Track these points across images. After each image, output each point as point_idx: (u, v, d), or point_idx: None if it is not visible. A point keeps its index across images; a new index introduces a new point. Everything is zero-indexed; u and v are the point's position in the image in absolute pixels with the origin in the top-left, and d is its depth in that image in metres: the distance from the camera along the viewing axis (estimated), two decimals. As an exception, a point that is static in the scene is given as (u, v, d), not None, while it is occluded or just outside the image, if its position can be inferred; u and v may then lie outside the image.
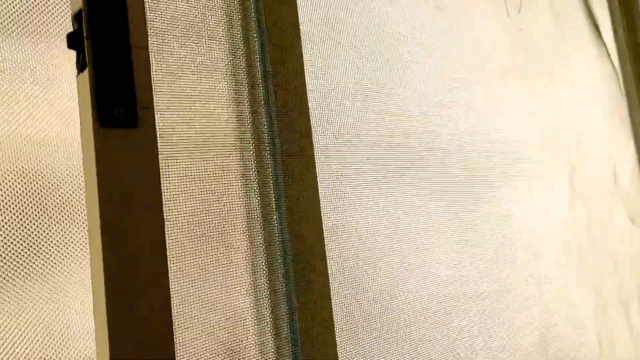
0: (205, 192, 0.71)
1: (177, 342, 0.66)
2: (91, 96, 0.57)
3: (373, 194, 0.94)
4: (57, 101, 0.66)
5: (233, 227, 0.73)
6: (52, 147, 0.64)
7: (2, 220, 0.60)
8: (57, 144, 0.65)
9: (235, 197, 0.74)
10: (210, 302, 0.70)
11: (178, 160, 0.69)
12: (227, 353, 0.71)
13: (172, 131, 0.68)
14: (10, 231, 0.61)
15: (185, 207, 0.69)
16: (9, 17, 0.64)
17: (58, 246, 0.64)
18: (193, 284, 0.69)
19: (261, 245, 0.76)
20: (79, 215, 0.65)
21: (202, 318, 0.69)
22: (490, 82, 1.27)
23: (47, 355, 0.61)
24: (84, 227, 0.66)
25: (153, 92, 0.61)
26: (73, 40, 0.59)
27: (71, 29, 0.60)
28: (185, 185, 0.70)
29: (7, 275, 0.60)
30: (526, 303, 1.21)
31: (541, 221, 1.31)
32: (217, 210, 0.72)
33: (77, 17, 0.59)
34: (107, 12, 0.59)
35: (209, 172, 0.72)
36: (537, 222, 1.30)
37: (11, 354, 0.59)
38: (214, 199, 0.72)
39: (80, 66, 0.59)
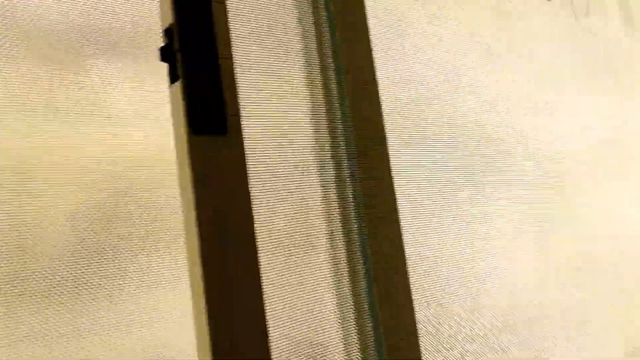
0: (288, 193, 0.73)
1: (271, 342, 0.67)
2: (183, 106, 0.60)
3: (451, 198, 0.94)
4: (149, 117, 0.69)
5: (316, 229, 0.75)
6: (146, 166, 0.68)
7: (102, 238, 0.63)
8: (150, 163, 0.68)
9: (317, 200, 0.76)
10: (297, 304, 0.71)
11: (263, 163, 0.71)
12: (316, 349, 0.72)
13: (257, 136, 0.71)
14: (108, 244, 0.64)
15: (271, 211, 0.71)
16: (103, 38, 0.68)
17: (152, 263, 0.67)
18: (281, 281, 0.70)
19: (341, 248, 0.77)
20: (172, 231, 0.68)
21: (290, 319, 0.70)
22: (560, 87, 1.25)
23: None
24: (175, 243, 0.69)
25: (239, 100, 0.64)
26: (165, 54, 0.62)
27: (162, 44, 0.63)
28: (269, 188, 0.72)
29: (105, 292, 0.63)
30: (613, 314, 1.17)
31: (626, 228, 1.27)
32: (300, 212, 0.74)
33: (167, 32, 0.63)
34: (195, 26, 0.62)
35: (290, 171, 0.74)
36: (621, 229, 1.26)
37: None
38: (296, 201, 0.73)
39: (172, 78, 0.62)
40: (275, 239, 0.71)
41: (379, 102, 0.85)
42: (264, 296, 0.66)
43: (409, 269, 0.84)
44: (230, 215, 0.60)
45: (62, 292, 0.59)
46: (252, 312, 0.60)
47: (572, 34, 1.35)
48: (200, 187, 0.59)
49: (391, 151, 0.86)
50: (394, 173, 0.86)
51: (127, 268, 0.64)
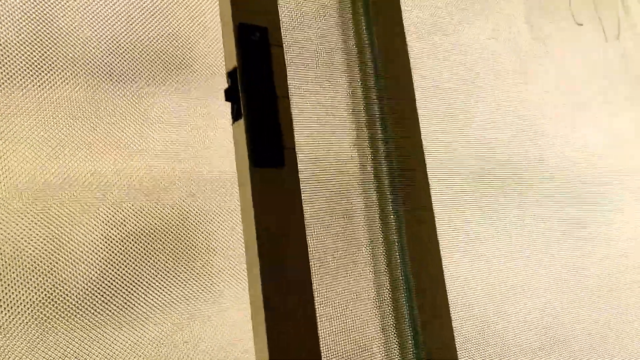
0: (336, 219, 0.79)
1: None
2: (246, 141, 0.67)
3: (482, 217, 1.00)
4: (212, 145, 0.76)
5: (360, 247, 0.81)
6: (212, 186, 0.75)
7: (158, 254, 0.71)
8: (213, 184, 0.75)
9: (359, 225, 0.82)
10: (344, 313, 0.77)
11: (315, 190, 0.78)
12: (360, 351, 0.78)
13: (310, 168, 0.78)
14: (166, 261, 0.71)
15: (320, 238, 0.78)
16: (167, 73, 0.76)
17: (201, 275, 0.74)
18: (333, 301, 0.77)
19: (383, 266, 0.83)
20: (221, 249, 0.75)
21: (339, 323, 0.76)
22: (592, 108, 1.29)
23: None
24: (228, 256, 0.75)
25: (294, 135, 0.71)
26: (229, 95, 0.69)
27: (225, 85, 0.71)
28: (320, 215, 0.78)
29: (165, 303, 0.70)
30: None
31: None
32: (347, 231, 0.80)
33: (231, 75, 0.70)
34: (256, 69, 0.69)
35: (337, 195, 0.80)
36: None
37: None
38: (343, 222, 0.80)
39: (235, 115, 0.69)
40: (324, 255, 0.77)
41: (419, 128, 0.91)
42: (315, 306, 0.72)
43: (447, 285, 0.90)
44: (287, 238, 0.67)
45: (93, 314, 0.67)
46: (305, 320, 0.67)
47: (604, 56, 1.39)
48: (261, 213, 0.66)
49: (430, 173, 0.92)
50: (433, 195, 0.91)
51: (187, 291, 0.71)
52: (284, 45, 0.73)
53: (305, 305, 0.67)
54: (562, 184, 1.17)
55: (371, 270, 0.82)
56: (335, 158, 0.82)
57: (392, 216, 0.86)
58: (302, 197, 0.73)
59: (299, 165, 0.76)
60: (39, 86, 0.66)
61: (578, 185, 1.20)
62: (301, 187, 0.74)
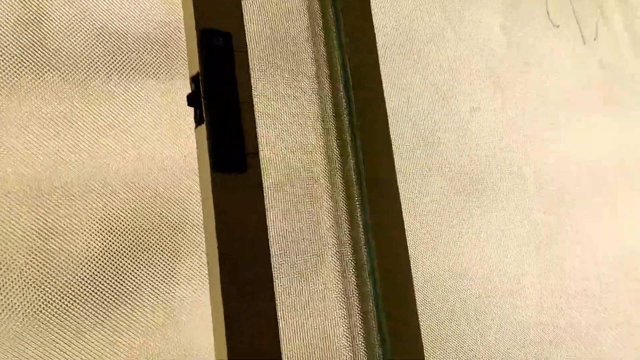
0: (300, 222, 0.80)
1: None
2: (208, 146, 0.67)
3: (456, 216, 1.00)
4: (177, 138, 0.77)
5: (325, 249, 0.82)
6: (172, 177, 0.75)
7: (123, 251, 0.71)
8: (176, 175, 0.76)
9: (328, 224, 0.82)
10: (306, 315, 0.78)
11: (279, 194, 0.78)
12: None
13: (272, 171, 0.78)
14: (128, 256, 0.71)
15: (284, 243, 0.78)
16: (143, 62, 0.76)
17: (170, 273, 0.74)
18: (294, 308, 0.77)
19: (350, 269, 0.84)
20: (192, 243, 0.76)
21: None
22: (571, 111, 1.30)
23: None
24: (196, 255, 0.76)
25: (258, 140, 0.71)
26: (192, 100, 0.70)
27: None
28: (282, 219, 0.79)
29: (129, 293, 0.71)
30: (625, 337, 1.22)
31: (632, 246, 1.31)
32: (311, 235, 0.81)
33: (194, 79, 0.70)
34: (219, 74, 0.70)
35: (303, 199, 0.81)
36: (626, 248, 1.30)
37: None
38: (308, 225, 0.80)
39: (198, 120, 0.69)
40: (287, 258, 0.78)
41: (388, 131, 0.91)
42: (276, 311, 0.72)
43: (416, 286, 0.91)
44: (249, 243, 0.67)
45: (86, 296, 0.67)
46: (266, 322, 0.67)
47: (581, 59, 1.40)
48: (222, 219, 0.67)
49: (400, 178, 0.92)
50: (403, 198, 0.92)
51: (148, 277, 0.71)
52: (248, 49, 0.74)
53: (266, 310, 0.68)
54: (538, 188, 1.17)
55: (337, 274, 0.83)
56: (301, 162, 0.82)
57: (359, 220, 0.86)
58: (265, 202, 0.74)
59: (262, 170, 0.76)
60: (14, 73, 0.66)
61: (553, 189, 1.21)
62: (265, 192, 0.74)
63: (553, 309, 1.12)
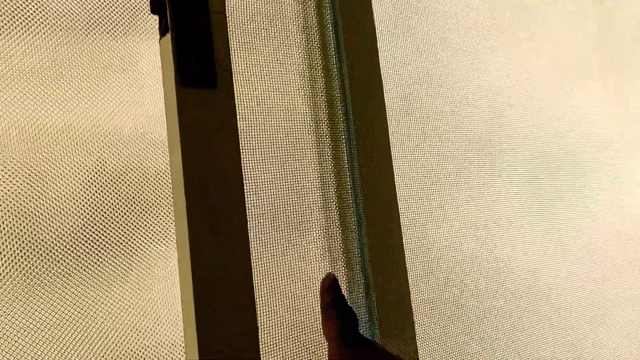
0: (280, 155, 0.72)
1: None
2: (173, 57, 0.59)
3: (453, 184, 0.93)
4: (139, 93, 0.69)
5: (308, 190, 0.74)
6: (139, 143, 0.67)
7: (84, 215, 0.63)
8: (142, 140, 0.67)
9: (310, 166, 0.75)
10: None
11: (254, 122, 0.70)
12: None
13: (249, 93, 0.70)
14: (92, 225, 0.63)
15: (261, 168, 0.70)
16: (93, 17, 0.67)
17: (142, 239, 0.66)
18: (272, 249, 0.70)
19: (336, 215, 0.76)
20: (162, 209, 0.68)
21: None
22: (570, 73, 1.23)
23: (135, 342, 0.63)
24: (166, 221, 0.68)
25: (231, 56, 0.63)
26: (154, 6, 0.61)
27: None
28: (261, 147, 0.71)
29: (99, 265, 0.63)
30: (622, 299, 1.15)
31: (631, 213, 1.25)
32: (292, 172, 0.73)
33: (159, -15, 0.62)
34: (187, -22, 0.61)
35: (283, 135, 0.73)
36: (627, 215, 1.24)
37: (101, 343, 0.61)
38: (288, 162, 0.72)
39: (163, 30, 0.61)
40: (265, 203, 0.70)
41: (383, 97, 0.84)
42: (249, 248, 0.65)
43: (406, 251, 0.83)
44: (219, 166, 0.60)
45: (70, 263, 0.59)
46: (238, 255, 0.59)
47: (590, 16, 1.32)
48: (188, 141, 0.59)
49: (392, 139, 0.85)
50: (395, 161, 0.84)
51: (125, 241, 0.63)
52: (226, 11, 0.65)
53: (239, 242, 0.60)
54: (540, 153, 1.10)
55: (322, 230, 0.75)
56: (283, 90, 0.74)
57: (346, 160, 0.79)
58: (239, 126, 0.66)
59: (236, 90, 0.68)
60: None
61: (556, 154, 1.14)
62: (237, 114, 0.66)
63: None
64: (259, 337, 0.64)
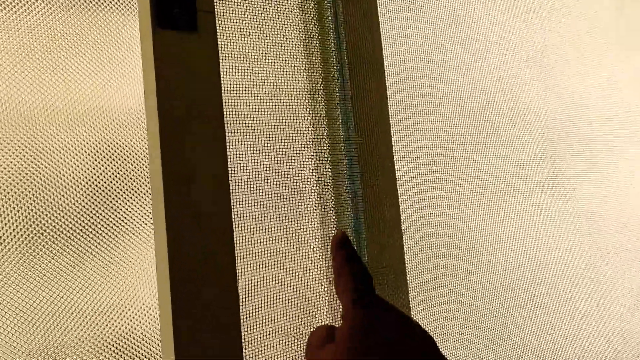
0: (265, 104, 0.67)
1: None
2: (149, -3, 0.54)
3: (451, 163, 0.87)
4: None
5: (300, 150, 0.69)
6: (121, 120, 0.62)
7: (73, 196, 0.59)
8: (125, 116, 0.63)
9: (301, 117, 0.69)
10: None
11: (239, 69, 0.65)
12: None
13: (233, 39, 0.64)
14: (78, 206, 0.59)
15: (244, 118, 0.65)
16: None
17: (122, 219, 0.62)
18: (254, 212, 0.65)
19: (330, 179, 0.71)
20: (143, 189, 0.63)
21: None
22: (582, 48, 1.16)
23: (115, 326, 0.59)
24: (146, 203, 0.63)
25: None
26: (131, -58, 0.56)
27: None
28: (245, 96, 0.66)
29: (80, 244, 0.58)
30: (620, 277, 1.09)
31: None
32: (279, 121, 0.68)
33: None
34: None
35: (269, 84, 0.68)
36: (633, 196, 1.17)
37: (79, 324, 0.57)
38: (272, 110, 0.67)
39: (139, -32, 0.56)
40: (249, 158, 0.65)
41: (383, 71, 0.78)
42: (230, 207, 0.60)
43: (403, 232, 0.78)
44: (199, 113, 0.55)
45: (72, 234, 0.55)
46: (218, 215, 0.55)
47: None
48: (165, 87, 0.54)
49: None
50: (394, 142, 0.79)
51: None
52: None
53: (221, 207, 0.55)
54: (547, 133, 1.04)
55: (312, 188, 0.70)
56: (272, 36, 0.69)
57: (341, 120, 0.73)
58: (221, 73, 0.60)
59: (219, 35, 0.63)
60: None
61: (568, 134, 1.07)
62: (220, 62, 0.61)
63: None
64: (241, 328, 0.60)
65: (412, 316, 0.75)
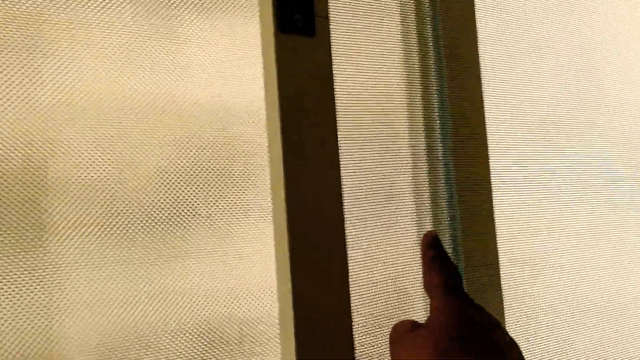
0: (373, 104, 0.70)
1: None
2: (272, 4, 0.59)
3: (545, 185, 0.88)
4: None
5: (398, 140, 0.72)
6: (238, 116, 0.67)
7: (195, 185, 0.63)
8: (245, 112, 0.67)
9: (402, 117, 0.72)
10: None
11: (350, 70, 0.68)
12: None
13: (345, 42, 0.68)
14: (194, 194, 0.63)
15: (356, 118, 0.69)
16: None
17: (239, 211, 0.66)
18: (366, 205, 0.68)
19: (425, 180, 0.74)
20: (259, 184, 0.67)
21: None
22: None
23: (231, 313, 0.63)
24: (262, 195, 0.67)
25: (329, 3, 0.61)
26: (255, -47, 0.61)
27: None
28: (354, 95, 0.69)
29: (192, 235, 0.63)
30: None
31: None
32: (384, 121, 0.71)
33: None
34: None
35: (378, 86, 0.71)
36: None
37: (193, 312, 0.61)
38: (381, 111, 0.70)
39: (262, -22, 0.61)
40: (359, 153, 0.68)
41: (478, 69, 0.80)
42: (341, 193, 0.64)
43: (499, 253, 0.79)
44: (314, 112, 0.59)
45: (155, 221, 0.60)
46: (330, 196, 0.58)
47: None
48: (285, 87, 0.58)
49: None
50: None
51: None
52: None
53: (331, 179, 0.59)
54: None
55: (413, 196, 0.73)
56: (379, 39, 0.72)
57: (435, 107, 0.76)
58: (334, 74, 0.64)
59: (332, 38, 0.67)
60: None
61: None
62: (333, 63, 0.64)
63: None
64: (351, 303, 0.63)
65: (505, 314, 0.76)
